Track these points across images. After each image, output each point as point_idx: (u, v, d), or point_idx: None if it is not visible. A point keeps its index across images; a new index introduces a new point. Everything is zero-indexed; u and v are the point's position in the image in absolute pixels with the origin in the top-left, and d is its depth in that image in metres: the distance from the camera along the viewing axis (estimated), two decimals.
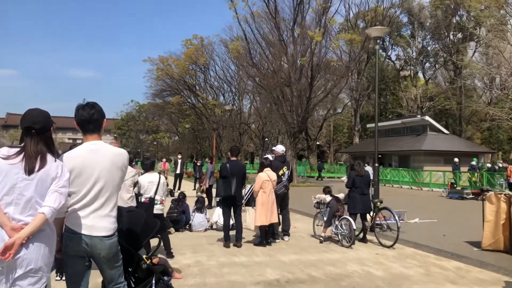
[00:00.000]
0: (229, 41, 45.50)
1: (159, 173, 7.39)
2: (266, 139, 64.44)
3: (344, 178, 9.55)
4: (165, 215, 9.80)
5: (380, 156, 47.08)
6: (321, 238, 8.93)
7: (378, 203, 9.12)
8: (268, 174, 8.48)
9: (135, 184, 6.99)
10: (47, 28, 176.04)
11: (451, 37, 55.64)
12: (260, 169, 8.70)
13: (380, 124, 49.99)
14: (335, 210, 8.88)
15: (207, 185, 15.35)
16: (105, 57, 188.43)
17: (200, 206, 10.24)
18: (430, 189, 27.67)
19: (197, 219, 10.04)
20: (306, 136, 55.62)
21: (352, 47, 35.00)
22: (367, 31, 13.92)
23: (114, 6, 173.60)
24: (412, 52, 61.56)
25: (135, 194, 7.12)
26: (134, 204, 6.98)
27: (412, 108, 59.62)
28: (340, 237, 8.72)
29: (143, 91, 62.89)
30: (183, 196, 10.44)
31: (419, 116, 40.34)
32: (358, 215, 9.08)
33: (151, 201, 6.90)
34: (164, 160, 22.63)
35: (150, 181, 6.97)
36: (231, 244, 8.30)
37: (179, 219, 9.88)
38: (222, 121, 55.88)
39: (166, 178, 20.31)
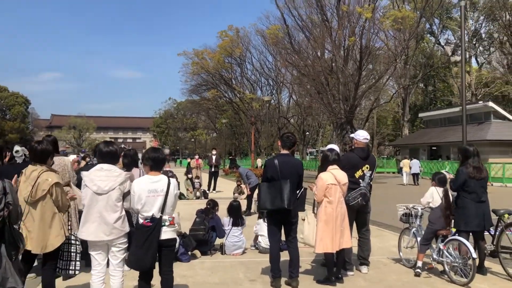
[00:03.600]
0: (266, 32, 42.88)
1: (169, 175, 4.57)
2: (307, 133, 61.33)
3: (449, 174, 6.38)
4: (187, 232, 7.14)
5: (435, 148, 43.13)
6: (417, 270, 5.94)
7: (506, 216, 6.04)
8: (334, 175, 5.58)
9: (125, 195, 4.28)
10: (88, 30, 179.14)
11: (508, 17, 50.51)
12: (322, 167, 5.80)
13: (434, 113, 45.84)
14: (438, 228, 5.88)
15: (247, 191, 12.47)
16: (143, 56, 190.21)
17: (235, 217, 7.46)
18: (504, 184, 23.87)
19: (231, 237, 7.27)
20: (351, 128, 52.14)
21: (401, 30, 31.45)
22: None
23: (148, 4, 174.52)
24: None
25: (128, 211, 4.42)
26: (126, 229, 4.28)
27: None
28: (447, 268, 5.73)
29: (180, 87, 61.46)
30: (212, 205, 7.62)
31: (481, 102, 36.08)
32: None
33: (155, 222, 4.16)
34: (196, 156, 20.03)
35: (151, 190, 4.22)
36: (283, 282, 5.49)
37: (206, 238, 7.14)
38: (260, 116, 53.47)
39: (198, 177, 17.95)
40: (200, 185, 17.20)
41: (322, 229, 5.53)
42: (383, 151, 73.75)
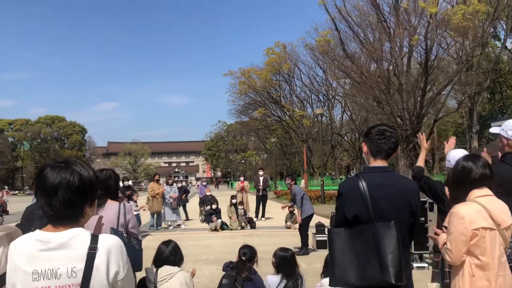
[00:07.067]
0: (315, 42, 40.25)
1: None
2: None
3: None
4: None
5: None
6: None
7: None
8: (488, 210, 2.68)
9: None
10: (143, 63, 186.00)
11: None
12: (456, 194, 2.91)
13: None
14: None
15: (299, 220, 9.65)
16: (192, 81, 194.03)
17: (288, 274, 4.64)
18: None
19: None
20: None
21: (466, 32, 27.82)
22: None
23: (193, 29, 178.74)
24: None
25: None
26: None
27: None
28: None
29: (228, 108, 60.10)
30: (249, 255, 4.78)
31: None
32: None
33: None
34: (242, 178, 17.46)
35: (40, 273, 1.54)
36: None
37: None
38: (311, 134, 50.56)
39: (242, 203, 15.24)
40: (245, 212, 14.51)
41: None
42: (445, 166, 68.43)
